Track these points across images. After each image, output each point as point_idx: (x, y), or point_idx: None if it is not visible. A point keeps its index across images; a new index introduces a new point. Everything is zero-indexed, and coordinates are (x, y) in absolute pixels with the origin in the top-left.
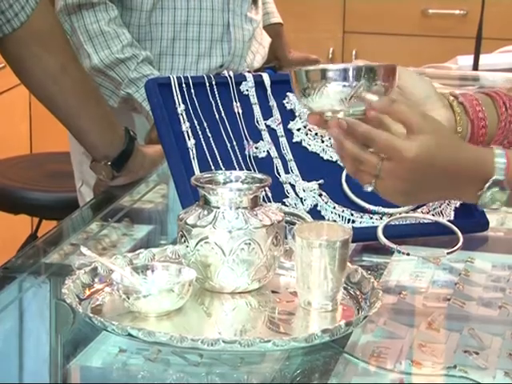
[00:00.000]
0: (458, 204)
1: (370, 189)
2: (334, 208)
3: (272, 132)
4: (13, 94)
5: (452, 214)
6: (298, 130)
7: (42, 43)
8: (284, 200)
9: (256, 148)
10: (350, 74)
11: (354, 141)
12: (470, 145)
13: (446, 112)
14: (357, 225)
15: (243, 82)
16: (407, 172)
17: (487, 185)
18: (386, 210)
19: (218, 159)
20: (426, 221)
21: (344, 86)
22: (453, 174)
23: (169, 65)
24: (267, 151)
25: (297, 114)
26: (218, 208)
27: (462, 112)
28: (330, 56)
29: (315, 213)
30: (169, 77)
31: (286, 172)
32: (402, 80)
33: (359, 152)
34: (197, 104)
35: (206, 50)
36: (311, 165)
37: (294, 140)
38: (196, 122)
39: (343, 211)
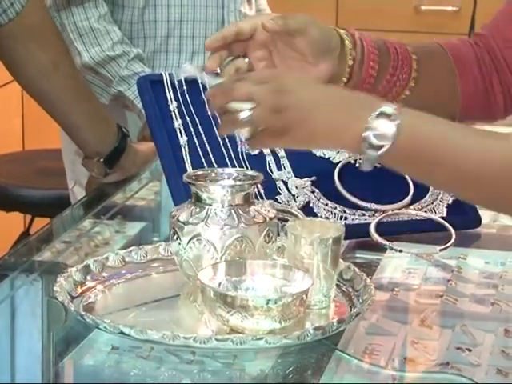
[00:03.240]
0: (450, 201)
1: (246, 114)
2: (327, 205)
3: None
4: (5, 91)
5: (444, 210)
6: None
7: (34, 38)
8: (276, 197)
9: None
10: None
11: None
12: None
13: (332, 68)
14: (349, 221)
15: None
16: (283, 85)
17: (375, 113)
18: (379, 206)
19: (211, 156)
20: (418, 217)
21: None
22: (338, 96)
23: (163, 62)
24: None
25: None
26: (210, 205)
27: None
28: None
29: (308, 210)
30: (161, 74)
31: (279, 169)
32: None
33: (230, 84)
34: (189, 101)
35: (200, 46)
36: (304, 162)
37: None
38: (188, 119)
39: (336, 208)
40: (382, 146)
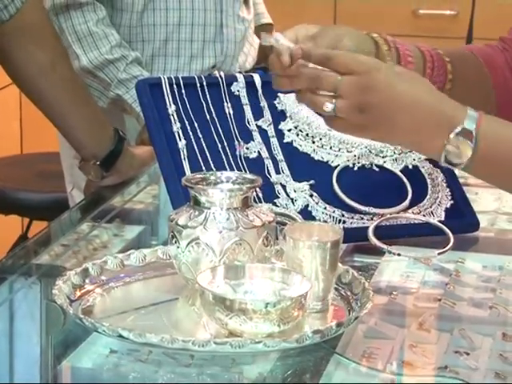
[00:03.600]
0: (448, 205)
1: (330, 107)
2: (325, 208)
3: (263, 132)
4: (3, 94)
5: (443, 214)
6: (289, 130)
7: (33, 38)
8: (275, 200)
9: (247, 148)
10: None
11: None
12: None
13: None
14: (348, 225)
15: (234, 83)
16: (371, 82)
17: (456, 130)
18: (377, 210)
19: (209, 160)
20: (416, 221)
21: None
22: (424, 103)
23: (161, 66)
24: (258, 152)
25: (288, 114)
26: (209, 209)
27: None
28: None
29: (306, 213)
30: (159, 77)
31: (277, 172)
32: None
33: (318, 71)
34: (188, 104)
35: (198, 50)
36: (302, 165)
37: (284, 140)
38: (187, 123)
39: (334, 212)
40: (459, 164)
